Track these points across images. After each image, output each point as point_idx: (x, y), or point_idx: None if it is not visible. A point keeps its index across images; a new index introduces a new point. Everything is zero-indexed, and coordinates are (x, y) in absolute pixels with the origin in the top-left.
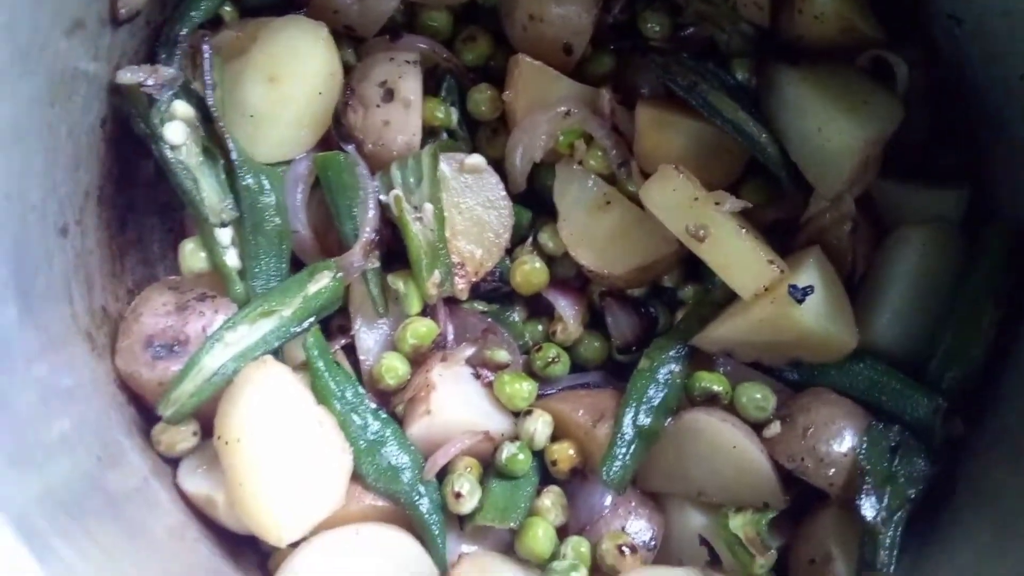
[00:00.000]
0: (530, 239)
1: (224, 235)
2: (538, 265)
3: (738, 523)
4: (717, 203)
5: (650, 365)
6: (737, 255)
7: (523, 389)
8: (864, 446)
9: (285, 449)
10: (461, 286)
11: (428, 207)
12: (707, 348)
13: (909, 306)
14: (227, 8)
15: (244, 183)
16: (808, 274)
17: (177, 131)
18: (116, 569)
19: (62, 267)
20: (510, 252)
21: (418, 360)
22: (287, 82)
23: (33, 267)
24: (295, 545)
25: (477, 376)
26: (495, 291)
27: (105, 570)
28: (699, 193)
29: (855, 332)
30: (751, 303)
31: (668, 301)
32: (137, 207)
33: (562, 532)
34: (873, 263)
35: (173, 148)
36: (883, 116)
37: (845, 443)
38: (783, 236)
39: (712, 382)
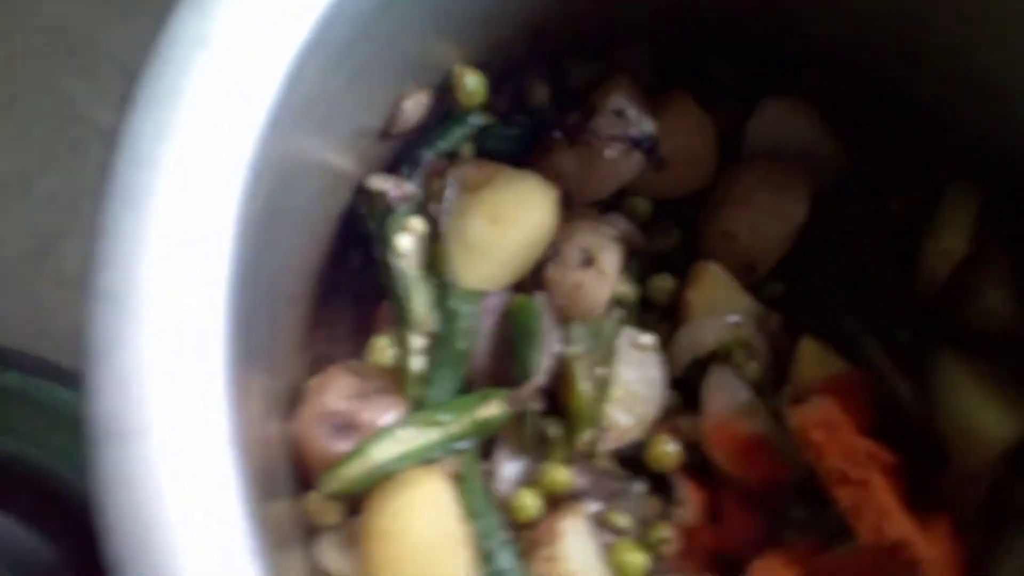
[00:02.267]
0: (671, 422)
1: (417, 342)
2: (671, 448)
3: None
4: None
5: None
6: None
7: (637, 560)
8: None
9: (425, 557)
10: (603, 449)
11: (598, 372)
12: None
13: None
14: (467, 145)
15: (449, 303)
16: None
17: (407, 243)
18: None
19: (281, 336)
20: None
21: (548, 503)
22: (508, 226)
23: (267, 337)
24: None
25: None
26: (627, 458)
27: None
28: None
29: None
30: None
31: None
32: (337, 289)
33: None
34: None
35: (399, 256)
36: None
37: None
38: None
39: None
